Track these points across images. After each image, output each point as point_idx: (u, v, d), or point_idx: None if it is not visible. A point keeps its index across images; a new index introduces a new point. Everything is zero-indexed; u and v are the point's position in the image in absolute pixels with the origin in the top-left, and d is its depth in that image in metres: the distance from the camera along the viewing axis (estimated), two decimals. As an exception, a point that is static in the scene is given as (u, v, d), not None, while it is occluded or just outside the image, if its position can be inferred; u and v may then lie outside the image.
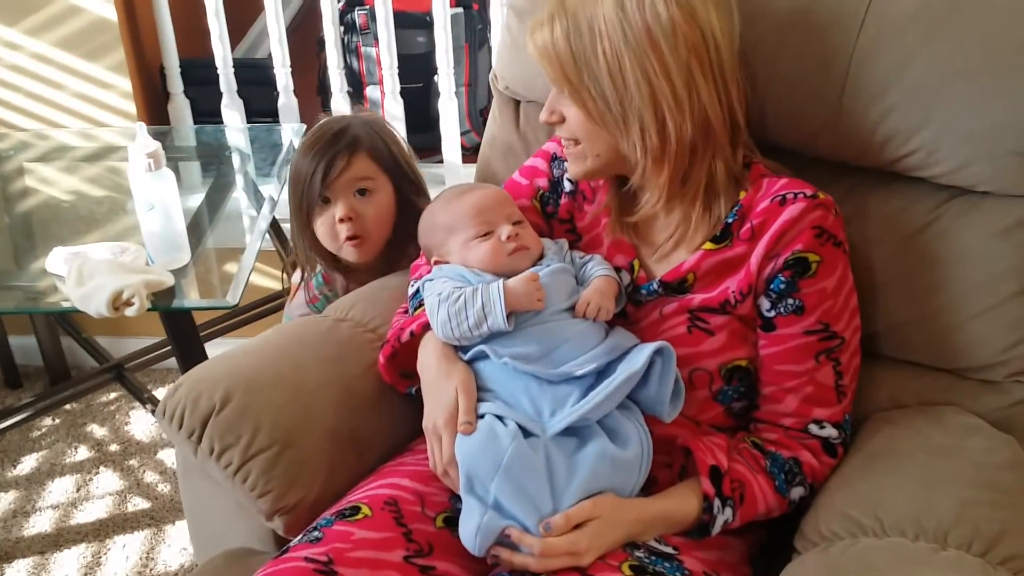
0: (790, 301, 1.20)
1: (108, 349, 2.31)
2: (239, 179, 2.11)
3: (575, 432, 1.15)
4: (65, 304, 1.66)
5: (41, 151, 2.21)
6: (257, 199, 2.02)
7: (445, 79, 2.21)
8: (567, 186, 1.38)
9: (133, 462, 2.21)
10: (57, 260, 1.70)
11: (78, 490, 2.14)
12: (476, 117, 2.54)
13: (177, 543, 1.99)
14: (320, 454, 1.28)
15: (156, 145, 1.61)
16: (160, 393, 2.40)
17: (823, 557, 1.12)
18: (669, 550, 1.16)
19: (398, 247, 1.57)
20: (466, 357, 1.23)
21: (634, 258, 1.30)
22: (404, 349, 1.31)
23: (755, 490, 1.18)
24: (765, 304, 1.21)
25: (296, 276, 1.69)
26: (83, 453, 2.25)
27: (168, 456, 2.23)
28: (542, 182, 1.40)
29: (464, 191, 1.36)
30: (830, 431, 1.22)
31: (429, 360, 1.25)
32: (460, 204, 1.32)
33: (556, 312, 1.22)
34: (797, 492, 1.21)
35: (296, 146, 2.10)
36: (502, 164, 1.59)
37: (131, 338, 2.37)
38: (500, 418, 1.15)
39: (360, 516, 1.17)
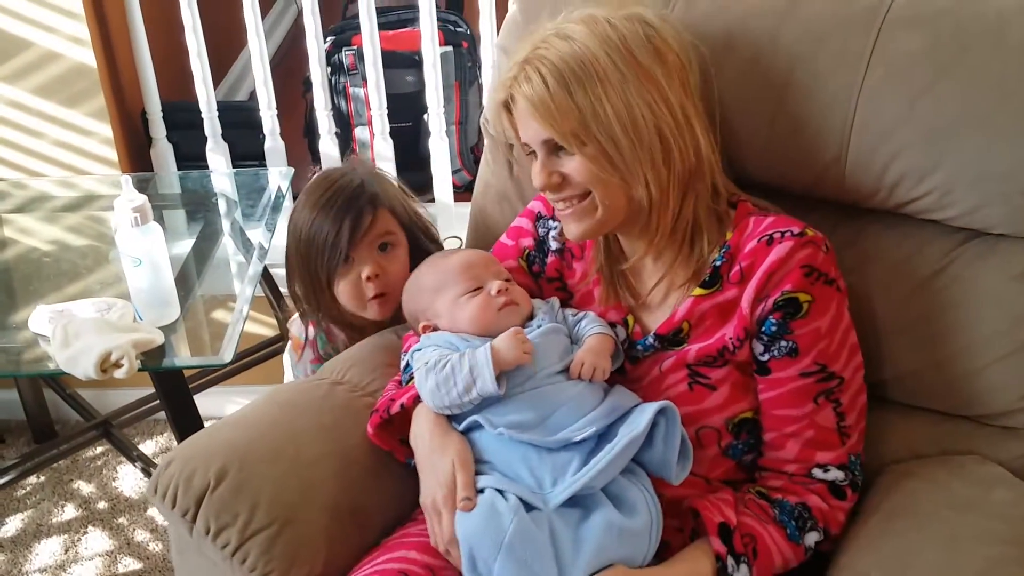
0: (783, 343, 1.17)
1: (93, 403, 2.24)
2: (226, 226, 2.06)
3: (579, 502, 1.11)
4: (50, 366, 1.60)
5: (19, 201, 2.15)
6: (246, 246, 1.97)
7: (436, 119, 2.17)
8: (553, 244, 1.35)
9: (122, 520, 2.15)
10: (40, 319, 1.64)
11: (66, 552, 2.08)
12: (467, 155, 2.51)
13: (170, 605, 1.93)
14: (321, 529, 1.23)
15: (143, 199, 1.56)
16: (148, 447, 2.35)
17: None
18: None
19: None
20: (460, 428, 1.19)
21: (627, 313, 1.27)
22: (399, 418, 1.27)
23: (768, 542, 1.15)
24: (759, 348, 1.18)
25: (295, 328, 1.63)
26: (70, 512, 2.18)
27: (157, 513, 2.16)
28: (527, 242, 1.37)
29: (449, 253, 1.36)
30: (835, 474, 1.19)
31: (423, 433, 1.21)
32: (447, 263, 1.30)
33: (550, 375, 1.18)
34: (811, 538, 1.17)
35: (284, 191, 2.07)
36: (496, 208, 1.56)
37: (117, 390, 2.31)
38: (500, 492, 1.11)
39: None
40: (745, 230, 1.20)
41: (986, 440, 1.28)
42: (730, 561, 1.11)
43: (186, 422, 1.67)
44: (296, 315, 1.61)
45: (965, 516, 1.15)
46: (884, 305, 1.30)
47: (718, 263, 1.20)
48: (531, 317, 1.26)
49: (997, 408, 1.27)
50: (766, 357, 1.18)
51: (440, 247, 1.55)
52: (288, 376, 1.67)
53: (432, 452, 1.18)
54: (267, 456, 1.25)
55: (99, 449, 2.34)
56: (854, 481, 1.20)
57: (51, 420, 2.38)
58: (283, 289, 2.11)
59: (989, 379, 1.26)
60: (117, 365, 1.50)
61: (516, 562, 1.06)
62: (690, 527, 1.19)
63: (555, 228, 1.35)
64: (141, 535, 2.11)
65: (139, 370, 1.53)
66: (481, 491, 1.12)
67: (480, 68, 2.24)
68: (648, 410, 1.12)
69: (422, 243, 1.54)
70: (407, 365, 1.31)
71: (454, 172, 2.30)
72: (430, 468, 1.18)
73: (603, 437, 1.13)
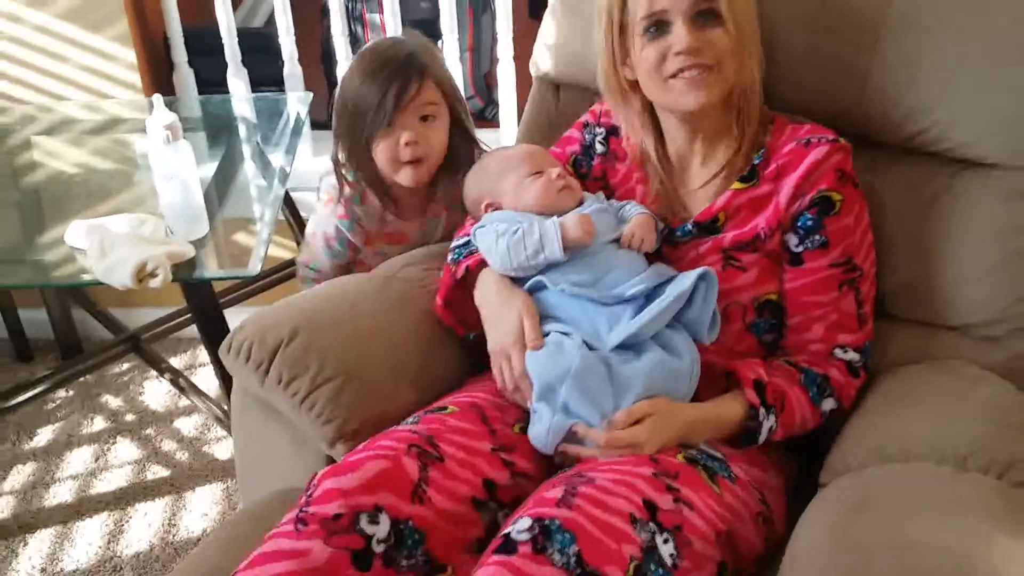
0: (816, 237, 1.31)
1: (121, 320, 2.33)
2: (247, 150, 2.12)
3: (632, 346, 1.27)
4: (85, 277, 1.68)
5: (47, 124, 2.21)
6: (266, 169, 2.04)
7: (450, 45, 2.23)
8: (599, 148, 1.49)
9: (150, 431, 2.25)
10: (77, 233, 1.71)
11: (96, 460, 2.18)
12: (480, 82, 2.56)
13: (198, 509, 2.04)
14: (382, 386, 1.38)
15: (173, 117, 1.63)
16: (176, 362, 2.43)
17: (854, 479, 1.20)
18: (718, 455, 1.25)
19: (447, 174, 1.61)
20: (525, 288, 1.35)
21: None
22: (457, 298, 1.43)
23: (793, 400, 1.29)
24: (793, 240, 1.32)
25: (326, 184, 1.66)
26: (99, 424, 2.28)
27: (184, 424, 2.26)
28: (574, 148, 1.52)
29: (511, 147, 1.54)
30: (852, 355, 1.33)
31: (489, 291, 1.37)
32: (512, 152, 1.48)
33: (603, 244, 1.34)
34: (828, 404, 1.32)
35: (303, 116, 2.13)
36: (542, 142, 1.65)
37: (144, 309, 2.39)
38: (564, 334, 1.27)
39: (449, 411, 1.30)
40: (782, 134, 1.35)
41: (970, 348, 1.39)
42: (762, 411, 1.27)
43: (215, 332, 1.76)
44: (331, 173, 1.65)
45: (955, 403, 1.28)
46: (892, 224, 1.41)
47: (756, 161, 1.34)
48: (580, 204, 1.41)
49: (982, 318, 1.38)
50: (800, 249, 1.32)
51: (473, 135, 1.63)
52: (309, 229, 1.72)
53: (500, 305, 1.34)
54: (332, 324, 1.41)
55: (125, 366, 2.43)
56: (866, 364, 1.35)
57: (78, 338, 2.47)
58: (304, 213, 2.20)
59: (971, 292, 1.38)
60: (152, 275, 1.58)
61: (581, 388, 1.23)
62: (721, 388, 1.32)
63: (600, 134, 1.49)
64: (168, 445, 2.21)
65: (172, 280, 1.61)
66: (546, 335, 1.29)
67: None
68: (692, 274, 1.28)
69: (462, 120, 1.60)
70: (466, 243, 1.44)
71: (468, 99, 2.35)
72: (498, 319, 1.34)
73: (649, 297, 1.29)
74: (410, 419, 1.30)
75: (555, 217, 1.34)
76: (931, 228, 1.39)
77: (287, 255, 2.38)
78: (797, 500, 1.30)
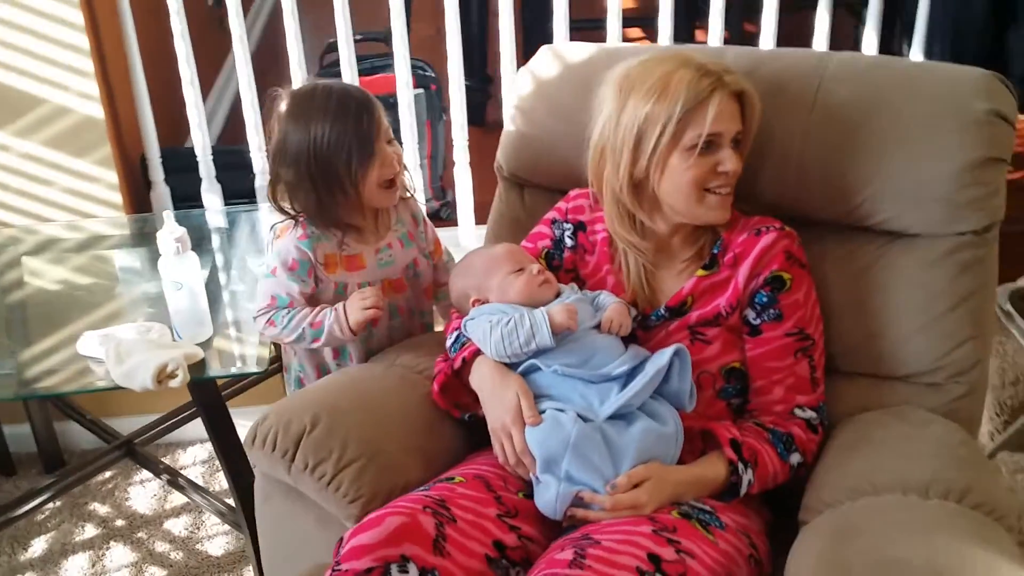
0: (772, 311, 1.51)
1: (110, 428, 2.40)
2: (222, 258, 2.25)
3: (622, 417, 1.42)
4: (99, 384, 1.78)
5: (32, 245, 2.31)
6: (247, 274, 2.16)
7: (411, 154, 2.42)
8: (568, 242, 1.66)
9: (141, 535, 2.31)
10: (90, 343, 1.82)
11: (93, 566, 2.22)
12: (437, 185, 2.76)
13: (199, 605, 2.10)
14: (397, 463, 1.51)
15: (182, 231, 1.77)
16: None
17: (832, 516, 1.37)
18: (707, 508, 1.41)
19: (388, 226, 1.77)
20: (518, 371, 1.49)
21: (635, 296, 1.59)
22: (451, 386, 1.56)
23: (765, 456, 1.45)
24: (751, 314, 1.52)
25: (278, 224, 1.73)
26: (91, 531, 2.33)
27: (175, 525, 2.33)
28: (546, 243, 1.68)
29: (492, 246, 1.69)
30: (810, 414, 1.51)
31: (485, 376, 1.51)
32: (495, 251, 1.63)
33: (585, 330, 1.50)
34: (795, 458, 1.48)
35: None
36: (509, 238, 1.83)
37: (127, 417, 2.47)
38: (560, 410, 1.41)
39: (456, 481, 1.43)
40: (735, 226, 1.56)
41: (916, 394, 1.58)
42: (740, 466, 1.43)
43: (223, 428, 1.87)
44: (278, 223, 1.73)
45: (910, 444, 1.47)
46: (833, 292, 1.62)
47: (715, 251, 1.55)
48: (558, 295, 1.57)
49: (922, 368, 1.58)
50: (758, 321, 1.52)
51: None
52: (267, 270, 1.72)
53: (496, 387, 1.48)
54: (350, 407, 1.54)
55: (107, 474, 2.49)
56: (823, 421, 1.54)
57: (60, 450, 2.52)
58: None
59: (914, 345, 1.57)
60: (172, 376, 1.69)
61: (580, 458, 1.37)
62: (699, 448, 1.48)
63: (568, 229, 1.66)
64: (161, 546, 2.27)
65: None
66: (542, 411, 1.43)
67: (447, 108, 2.48)
68: (668, 350, 1.44)
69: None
70: (456, 338, 1.59)
71: (426, 202, 2.54)
72: (497, 400, 1.47)
73: (631, 374, 1.44)
74: (420, 488, 1.43)
75: (543, 309, 1.48)
76: (869, 294, 1.59)
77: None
78: (773, 541, 1.46)
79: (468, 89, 2.42)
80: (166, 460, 2.52)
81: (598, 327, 1.52)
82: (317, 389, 1.62)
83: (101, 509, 2.40)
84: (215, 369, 1.81)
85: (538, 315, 1.47)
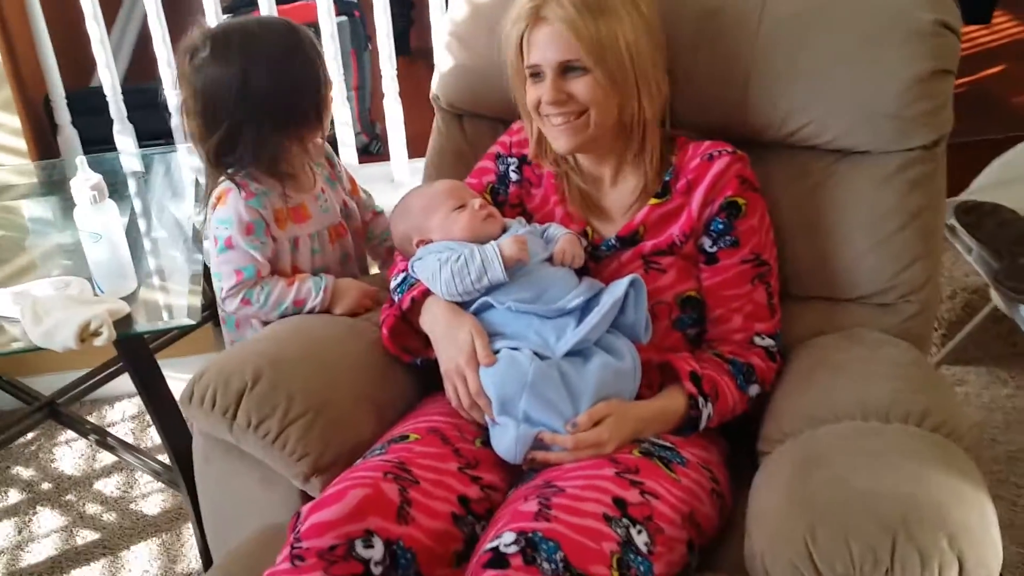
0: (728, 238, 1.46)
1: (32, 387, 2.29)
2: (139, 204, 2.13)
3: (579, 353, 1.37)
4: (15, 345, 1.67)
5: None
6: (169, 219, 2.06)
7: (337, 87, 2.30)
8: (513, 176, 1.60)
9: (71, 497, 2.21)
10: (4, 302, 1.70)
11: (20, 532, 2.13)
12: (365, 118, 2.65)
13: (138, 566, 2.03)
14: (347, 417, 1.44)
15: (98, 178, 1.66)
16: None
17: (794, 445, 1.34)
18: (668, 444, 1.38)
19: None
20: (470, 311, 1.43)
21: (586, 225, 1.53)
22: (400, 329, 1.51)
23: (724, 388, 1.42)
24: (707, 242, 1.47)
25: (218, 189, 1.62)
26: (15, 496, 2.22)
27: (106, 485, 2.24)
28: (490, 178, 1.62)
29: (430, 184, 1.61)
30: (769, 341, 1.49)
31: (436, 317, 1.45)
32: (433, 189, 1.56)
33: (537, 263, 1.44)
34: (754, 389, 1.46)
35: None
36: (452, 172, 1.76)
37: (49, 375, 2.35)
38: (515, 349, 1.36)
39: (411, 440, 1.36)
40: (687, 153, 1.50)
41: (868, 316, 1.57)
42: (700, 400, 1.40)
43: (155, 386, 1.78)
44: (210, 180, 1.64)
45: (867, 365, 1.45)
46: (784, 213, 1.57)
47: (667, 178, 1.49)
48: (504, 230, 1.51)
49: (872, 289, 1.56)
50: (714, 249, 1.48)
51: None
52: (220, 246, 1.60)
53: (449, 328, 1.42)
54: (295, 359, 1.46)
55: (30, 435, 2.38)
56: (780, 349, 1.51)
57: (-25, 410, 2.40)
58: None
59: (864, 265, 1.55)
60: (96, 334, 1.59)
61: (538, 397, 1.33)
62: (657, 381, 1.45)
63: (513, 163, 1.60)
64: (93, 508, 2.18)
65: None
66: (496, 351, 1.38)
67: (372, 36, 2.37)
68: (623, 282, 1.39)
69: None
70: (403, 279, 1.51)
71: (355, 135, 2.43)
72: (449, 340, 1.41)
73: (586, 308, 1.40)
74: (377, 449, 1.36)
75: (494, 243, 1.43)
76: (820, 214, 1.56)
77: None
78: (732, 472, 1.44)
79: (392, 17, 2.31)
80: (92, 418, 2.41)
81: (550, 260, 1.47)
82: (259, 340, 1.53)
83: (25, 472, 2.29)
84: (142, 324, 1.70)
85: (489, 249, 1.41)
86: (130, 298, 1.73)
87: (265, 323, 1.69)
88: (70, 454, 2.33)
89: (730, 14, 1.56)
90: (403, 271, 1.54)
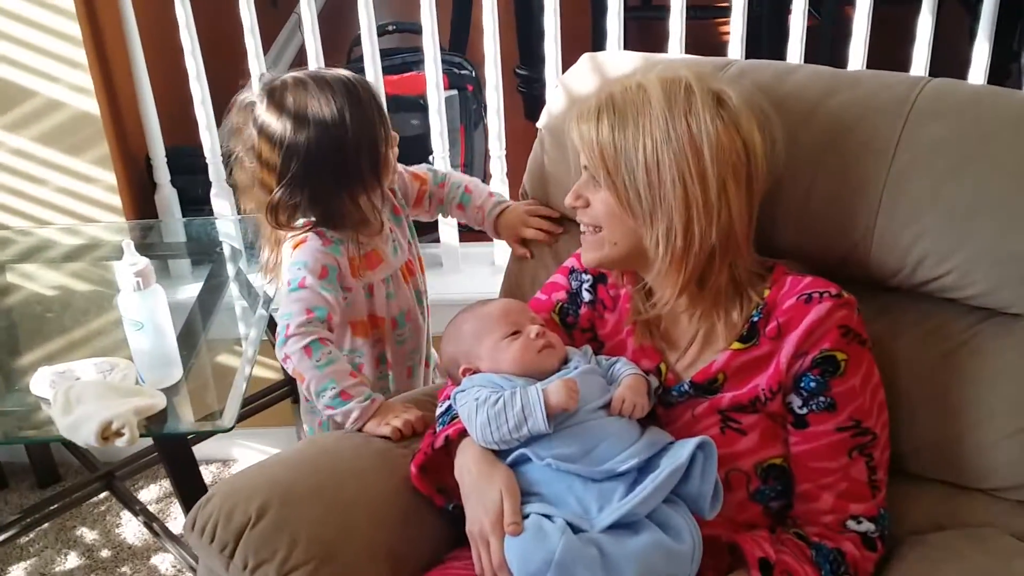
0: (821, 399, 1.22)
1: (96, 453, 2.22)
2: (231, 272, 2.05)
3: (627, 525, 1.16)
4: (53, 432, 1.58)
5: (23, 248, 2.14)
6: (251, 295, 1.96)
7: (441, 163, 2.16)
8: (586, 296, 1.42)
9: (125, 569, 2.13)
10: (42, 382, 1.62)
11: (68, 602, 2.06)
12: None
13: (174, 660, 1.91)
14: (356, 570, 1.26)
15: (145, 262, 1.55)
16: (152, 491, 2.32)
17: None
18: None
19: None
20: (507, 462, 1.24)
21: (660, 362, 1.33)
22: (438, 463, 1.32)
23: None
24: (796, 402, 1.23)
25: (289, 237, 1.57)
26: (73, 560, 2.16)
27: (161, 561, 2.15)
28: (560, 295, 1.44)
29: (485, 303, 1.41)
30: (868, 525, 1.23)
31: (468, 465, 1.26)
32: (486, 310, 1.37)
33: (592, 411, 1.24)
34: None
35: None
36: (530, 282, 1.63)
37: (120, 439, 2.29)
38: (548, 516, 1.16)
39: None
40: (782, 288, 1.26)
41: (1001, 513, 1.30)
42: None
43: (188, 484, 1.66)
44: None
45: None
46: (906, 378, 1.32)
47: (755, 319, 1.26)
48: (566, 362, 1.32)
49: (1012, 482, 1.29)
50: (804, 411, 1.23)
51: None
52: (293, 283, 1.52)
53: (479, 482, 1.23)
54: (307, 495, 1.28)
55: (102, 495, 2.32)
56: (883, 534, 1.25)
57: (55, 463, 2.37)
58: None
59: (1003, 453, 1.28)
60: (118, 434, 1.48)
61: None
62: (726, 563, 1.22)
63: (587, 281, 1.42)
64: (144, 585, 2.09)
65: (142, 436, 1.51)
66: (526, 517, 1.18)
67: (485, 111, 2.21)
68: (689, 444, 1.18)
69: None
70: (447, 408, 1.35)
71: (461, 215, 2.28)
72: (477, 497, 1.22)
73: (643, 470, 1.19)
74: None
75: (537, 384, 1.24)
76: (953, 384, 1.30)
77: (273, 376, 2.29)
78: None
79: (526, 80, 2.14)
80: (154, 487, 2.34)
81: (608, 406, 1.25)
82: (274, 465, 1.36)
83: (88, 535, 2.23)
84: (180, 423, 1.58)
85: (533, 393, 1.22)
86: (173, 389, 1.61)
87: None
88: (134, 522, 2.25)
89: (864, 132, 1.32)
90: (447, 398, 1.36)
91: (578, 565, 1.12)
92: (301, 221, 1.54)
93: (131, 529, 2.23)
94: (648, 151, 1.20)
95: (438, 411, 1.39)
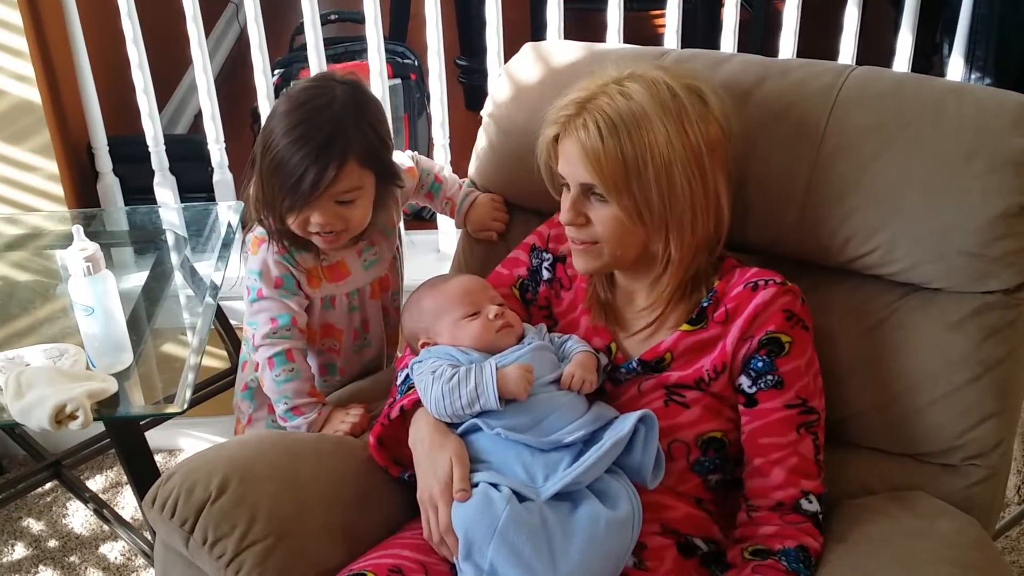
0: (769, 377, 1.29)
1: (42, 441, 2.21)
2: (176, 261, 2.05)
3: (568, 496, 1.22)
4: (3, 416, 1.58)
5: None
6: (196, 283, 1.97)
7: (385, 152, 2.19)
8: (545, 275, 1.48)
9: (74, 559, 2.13)
10: (-9, 368, 1.62)
11: (16, 592, 2.05)
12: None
13: (125, 646, 1.92)
14: (313, 545, 1.30)
15: (94, 247, 1.55)
16: (99, 481, 2.32)
17: None
18: None
19: (376, 212, 1.54)
20: (459, 431, 1.29)
21: (611, 341, 1.38)
22: (394, 434, 1.37)
23: None
24: (746, 382, 1.30)
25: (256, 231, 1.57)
26: (20, 551, 2.15)
27: (110, 550, 2.15)
28: (521, 271, 1.50)
29: (448, 278, 1.47)
30: (816, 505, 1.28)
31: (422, 434, 1.31)
32: (447, 288, 1.42)
33: (542, 385, 1.30)
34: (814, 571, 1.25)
35: (235, 226, 2.06)
36: (478, 261, 1.67)
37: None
38: (495, 485, 1.21)
39: None
40: (731, 278, 1.33)
41: (928, 477, 1.37)
42: None
43: (141, 469, 1.67)
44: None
45: (916, 542, 1.25)
46: (836, 350, 1.40)
47: (705, 304, 1.33)
48: (520, 339, 1.37)
49: (936, 447, 1.36)
50: (754, 390, 1.29)
51: (402, 184, 1.58)
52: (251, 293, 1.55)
53: (431, 450, 1.28)
54: (267, 474, 1.32)
55: (48, 485, 2.31)
56: (826, 514, 1.30)
57: (-1, 455, 2.35)
58: (234, 321, 2.13)
59: (928, 419, 1.36)
60: (72, 417, 1.48)
61: (509, 548, 1.16)
62: (659, 524, 1.28)
63: (547, 260, 1.48)
64: (93, 573, 2.09)
65: (95, 419, 1.52)
66: (475, 485, 1.23)
67: (429, 100, 2.25)
68: (631, 417, 1.24)
69: (389, 183, 1.53)
70: (405, 378, 1.39)
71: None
72: (428, 465, 1.27)
73: (588, 442, 1.24)
74: None
75: (493, 364, 1.28)
76: (879, 356, 1.38)
77: (220, 365, 2.30)
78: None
79: (467, 71, 2.17)
80: (103, 476, 2.34)
81: (558, 382, 1.31)
82: (236, 445, 1.40)
83: (35, 526, 2.22)
84: (126, 407, 1.59)
85: (487, 372, 1.27)
86: (124, 374, 1.62)
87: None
88: (82, 511, 2.25)
89: (794, 119, 1.40)
90: (406, 367, 1.41)
91: (521, 533, 1.17)
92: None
93: (78, 519, 2.23)
94: (657, 163, 1.22)
95: (397, 380, 1.43)
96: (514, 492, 1.20)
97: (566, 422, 1.26)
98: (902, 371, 1.36)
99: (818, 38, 2.26)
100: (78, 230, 1.56)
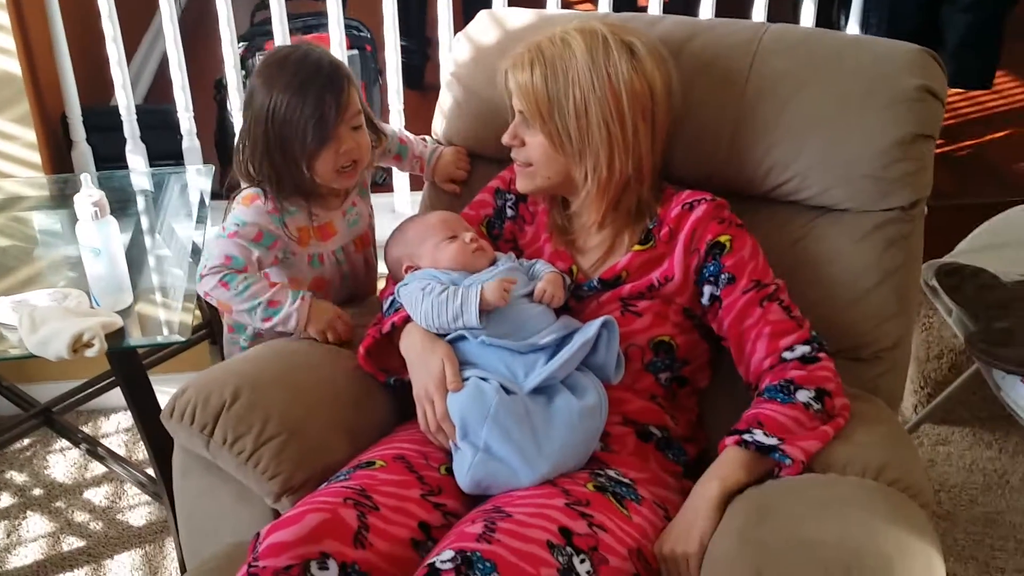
0: (723, 276, 1.48)
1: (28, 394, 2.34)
2: (146, 222, 2.18)
3: (545, 391, 1.41)
4: (12, 352, 1.72)
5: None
6: (173, 239, 2.11)
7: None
8: (509, 213, 1.68)
9: (60, 504, 2.25)
10: (3, 309, 1.76)
11: (8, 536, 2.17)
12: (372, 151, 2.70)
13: (119, 575, 2.06)
14: (321, 440, 1.48)
15: (100, 194, 1.71)
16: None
17: (750, 494, 1.35)
18: (627, 480, 1.41)
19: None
20: (446, 340, 1.48)
21: (572, 264, 1.59)
22: (382, 348, 1.55)
23: (767, 412, 1.37)
24: (708, 289, 1.50)
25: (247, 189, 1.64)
26: (6, 500, 2.27)
27: (96, 495, 2.28)
28: (487, 211, 1.70)
29: (427, 214, 1.70)
30: (801, 349, 1.43)
31: (413, 341, 1.49)
32: (428, 219, 1.63)
33: (517, 298, 1.49)
34: (802, 395, 1.38)
35: (208, 189, 2.21)
36: (445, 205, 1.83)
37: (48, 383, 2.40)
38: (483, 379, 1.40)
39: (377, 466, 1.39)
40: (670, 203, 1.55)
41: (841, 369, 1.51)
42: (752, 434, 1.35)
43: (144, 399, 1.83)
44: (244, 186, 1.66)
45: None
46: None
47: (651, 227, 1.54)
48: (493, 263, 1.57)
49: (849, 343, 1.58)
50: (716, 291, 1.49)
51: (384, 135, 1.77)
52: (222, 231, 1.63)
53: (423, 353, 1.46)
54: (273, 382, 1.50)
55: (26, 441, 2.43)
56: (822, 346, 1.45)
57: (-24, 415, 2.45)
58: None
59: (842, 320, 1.58)
60: (88, 345, 1.64)
61: (501, 429, 1.35)
62: (622, 417, 1.48)
63: (511, 200, 1.68)
64: (80, 516, 2.22)
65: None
66: (466, 379, 1.41)
67: (383, 71, 2.43)
68: (596, 322, 1.43)
69: (370, 116, 1.67)
70: (391, 303, 1.57)
71: (362, 168, 2.49)
72: (422, 366, 1.46)
73: (559, 345, 1.43)
74: (342, 475, 1.39)
75: (477, 284, 1.46)
76: (800, 268, 1.60)
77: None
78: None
79: (406, 51, 2.37)
80: (88, 428, 2.46)
81: (530, 296, 1.51)
82: (240, 361, 1.57)
83: (18, 477, 2.33)
84: (135, 338, 1.75)
85: (472, 292, 1.45)
86: (125, 312, 1.78)
87: (252, 339, 1.75)
88: (63, 462, 2.37)
89: (720, 68, 1.62)
90: (391, 295, 1.59)
91: (510, 418, 1.36)
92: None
93: (60, 469, 2.35)
94: (577, 99, 1.44)
95: (384, 306, 1.61)
96: (500, 386, 1.39)
97: (540, 328, 1.46)
98: (819, 280, 1.59)
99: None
100: (86, 178, 1.72)
